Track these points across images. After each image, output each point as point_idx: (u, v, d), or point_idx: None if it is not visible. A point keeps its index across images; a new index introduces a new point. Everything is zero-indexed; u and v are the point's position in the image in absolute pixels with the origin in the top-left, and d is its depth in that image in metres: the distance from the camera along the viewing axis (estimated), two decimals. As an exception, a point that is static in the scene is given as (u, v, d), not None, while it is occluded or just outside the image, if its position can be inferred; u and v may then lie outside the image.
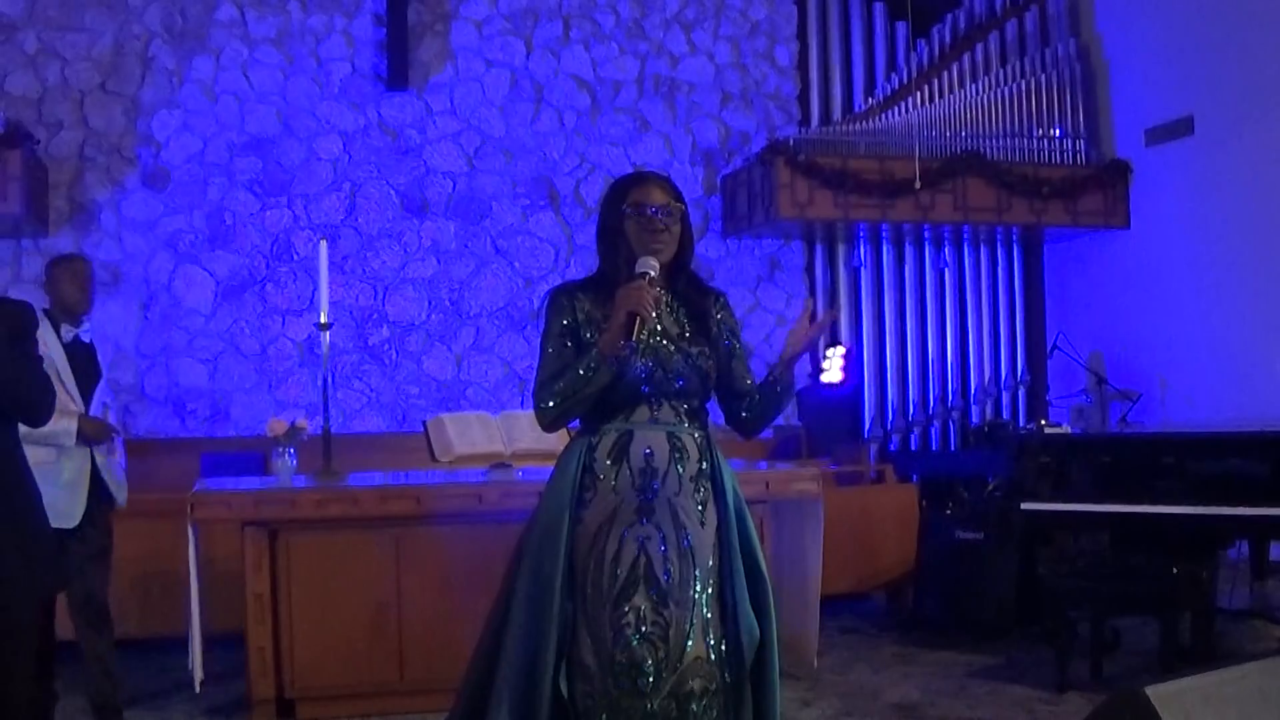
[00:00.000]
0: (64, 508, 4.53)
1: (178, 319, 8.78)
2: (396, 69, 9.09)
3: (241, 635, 4.96)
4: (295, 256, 8.97)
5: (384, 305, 9.15)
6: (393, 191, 9.22)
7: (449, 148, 9.34)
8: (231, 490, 5.11)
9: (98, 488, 4.74)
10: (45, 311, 4.79)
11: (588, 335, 2.91)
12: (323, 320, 5.86)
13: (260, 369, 8.91)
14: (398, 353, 9.17)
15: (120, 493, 4.86)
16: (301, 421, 5.71)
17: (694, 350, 2.95)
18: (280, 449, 5.51)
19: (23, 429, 4.33)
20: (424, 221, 9.24)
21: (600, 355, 2.81)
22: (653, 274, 2.85)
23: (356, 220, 9.13)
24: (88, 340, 4.89)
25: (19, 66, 8.56)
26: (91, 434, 4.65)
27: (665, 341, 2.93)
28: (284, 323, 8.96)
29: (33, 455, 4.48)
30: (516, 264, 9.41)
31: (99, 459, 4.75)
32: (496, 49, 9.48)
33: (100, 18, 8.71)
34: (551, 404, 2.88)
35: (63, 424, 4.52)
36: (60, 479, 4.55)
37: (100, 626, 4.75)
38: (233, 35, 8.96)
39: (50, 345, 4.66)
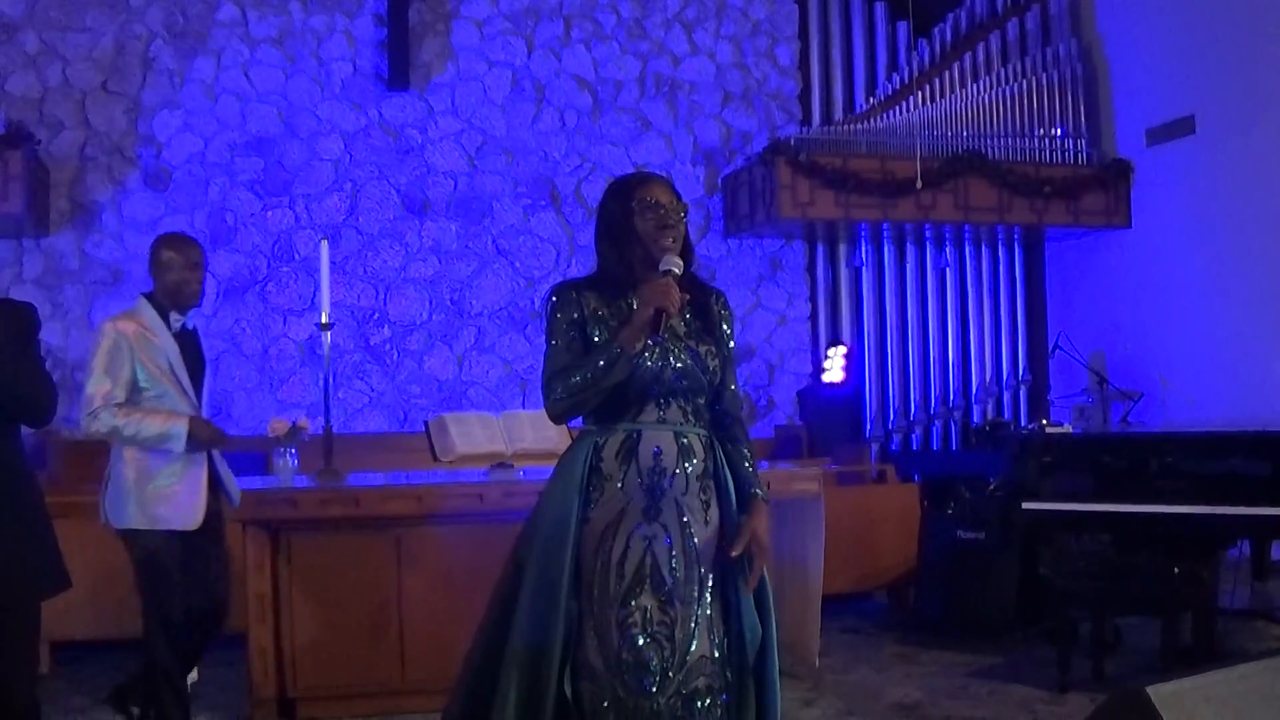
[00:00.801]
0: (185, 509, 4.24)
1: (179, 319, 8.77)
2: (398, 69, 9.10)
3: (243, 635, 4.96)
4: (296, 256, 8.98)
5: (385, 305, 9.15)
6: (394, 191, 9.22)
7: (450, 147, 9.35)
8: (233, 490, 5.09)
9: (218, 489, 4.44)
10: (149, 297, 4.35)
11: (595, 333, 2.91)
12: (324, 320, 5.86)
13: (261, 369, 8.92)
14: (399, 352, 9.18)
15: (236, 492, 4.55)
16: (303, 421, 5.69)
17: (701, 350, 2.95)
18: (281, 449, 5.50)
19: (131, 430, 4.14)
20: (425, 221, 9.25)
21: (620, 350, 2.81)
22: (676, 271, 2.86)
23: (358, 220, 9.14)
24: (192, 327, 4.45)
25: (20, 67, 8.57)
26: (206, 439, 4.28)
27: (674, 340, 2.93)
28: (285, 323, 8.96)
29: (141, 455, 4.18)
30: (518, 264, 9.41)
31: (216, 457, 4.47)
32: (498, 49, 9.49)
33: (101, 18, 8.71)
34: (565, 396, 2.87)
35: (172, 426, 4.18)
36: (178, 480, 4.24)
37: (217, 628, 4.46)
38: (234, 35, 8.97)
39: (160, 336, 4.28)
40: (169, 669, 4.25)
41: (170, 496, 4.23)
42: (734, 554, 2.87)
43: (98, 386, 4.17)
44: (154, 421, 4.17)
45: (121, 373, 4.20)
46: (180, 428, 4.19)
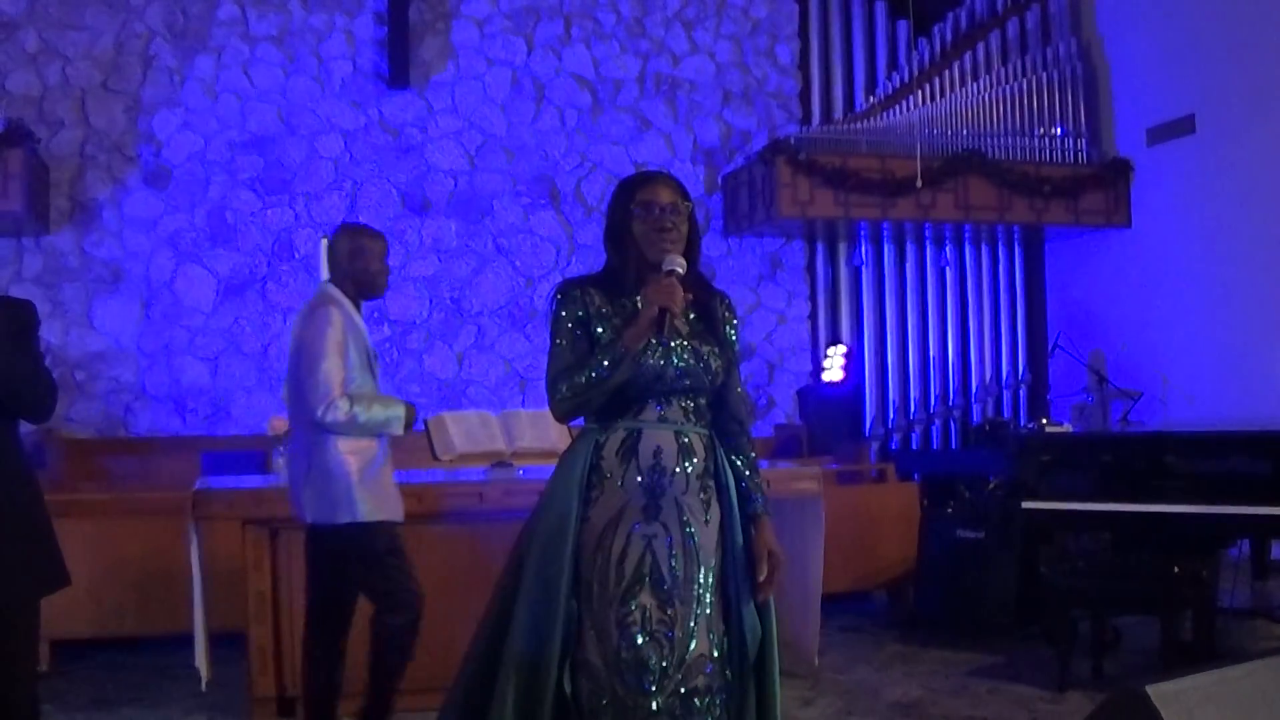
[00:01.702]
0: (398, 499, 4.23)
1: (179, 317, 8.78)
2: (398, 67, 9.10)
3: (242, 633, 4.96)
4: (296, 255, 8.98)
5: (385, 303, 9.14)
6: (394, 190, 9.22)
7: (450, 146, 9.35)
8: (232, 489, 5.10)
9: None
10: (341, 288, 4.23)
11: (598, 330, 2.91)
12: (323, 319, 5.84)
13: (261, 367, 8.92)
14: (399, 351, 9.18)
15: None
16: (303, 420, 5.69)
17: (704, 350, 2.95)
18: (281, 447, 5.50)
19: (364, 417, 4.05)
20: (425, 220, 9.24)
21: (625, 349, 2.81)
22: (679, 271, 2.86)
23: (357, 218, 9.13)
24: None
25: (20, 65, 8.56)
26: (410, 424, 4.26)
27: (677, 340, 2.93)
28: (285, 321, 8.95)
29: (356, 445, 4.09)
30: (517, 263, 9.41)
31: None
32: (498, 47, 9.49)
33: (101, 16, 8.71)
34: (570, 395, 2.87)
35: (393, 411, 4.16)
36: (389, 469, 4.21)
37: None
38: (234, 34, 8.96)
39: (362, 325, 4.19)
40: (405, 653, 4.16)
41: (389, 485, 4.18)
42: (761, 580, 2.91)
43: (333, 373, 4.06)
44: (379, 407, 4.12)
45: (348, 359, 4.11)
46: (400, 411, 4.17)
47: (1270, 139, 8.42)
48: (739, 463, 3.00)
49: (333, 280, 4.27)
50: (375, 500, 4.12)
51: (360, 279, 4.24)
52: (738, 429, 3.03)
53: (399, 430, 4.18)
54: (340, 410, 4.03)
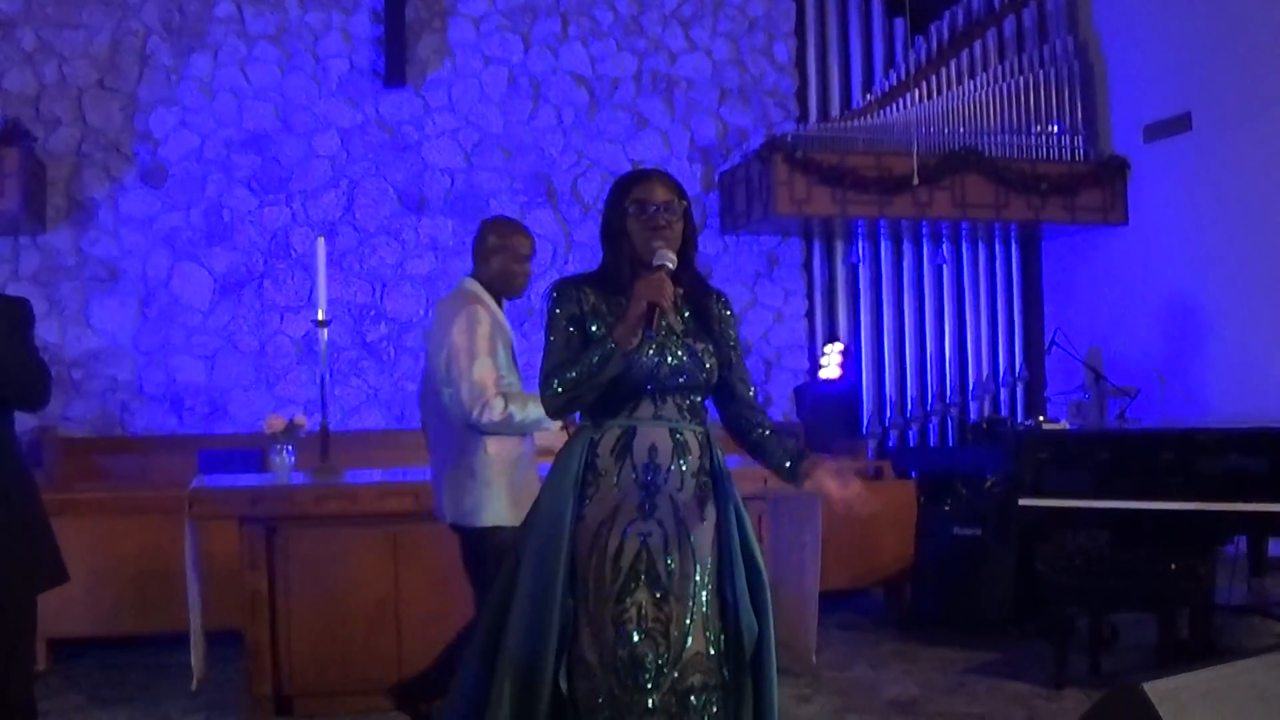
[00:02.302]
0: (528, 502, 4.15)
1: (176, 316, 8.77)
2: (394, 66, 9.09)
3: (239, 632, 4.96)
4: (293, 253, 8.97)
5: (382, 302, 9.15)
6: (390, 188, 9.21)
7: (447, 144, 9.34)
8: (229, 487, 5.10)
9: None
10: (483, 282, 4.21)
11: (593, 328, 2.91)
12: (321, 317, 5.85)
13: (258, 366, 8.91)
14: (396, 349, 9.17)
15: None
16: (299, 418, 5.69)
17: (699, 347, 2.95)
18: (278, 446, 5.50)
19: (519, 417, 3.94)
20: (422, 218, 9.23)
21: (614, 345, 2.81)
22: (670, 266, 2.86)
23: (354, 217, 9.13)
24: None
25: (16, 64, 8.55)
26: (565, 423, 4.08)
27: (670, 337, 2.93)
28: (282, 319, 8.95)
29: (503, 446, 4.01)
30: (514, 261, 9.39)
31: None
32: (494, 45, 9.48)
33: (98, 14, 8.70)
34: (561, 390, 2.88)
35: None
36: (534, 469, 4.10)
37: None
38: (230, 32, 8.95)
39: (504, 322, 4.13)
40: None
41: (533, 485, 4.00)
42: (843, 490, 2.96)
43: (486, 372, 3.97)
44: (533, 405, 3.93)
45: (498, 357, 4.03)
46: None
47: (1267, 136, 8.42)
48: (767, 439, 3.02)
49: (475, 275, 4.22)
50: (518, 503, 3.98)
51: (502, 274, 4.19)
52: (750, 411, 3.06)
53: (551, 427, 4.06)
54: (496, 411, 3.94)
